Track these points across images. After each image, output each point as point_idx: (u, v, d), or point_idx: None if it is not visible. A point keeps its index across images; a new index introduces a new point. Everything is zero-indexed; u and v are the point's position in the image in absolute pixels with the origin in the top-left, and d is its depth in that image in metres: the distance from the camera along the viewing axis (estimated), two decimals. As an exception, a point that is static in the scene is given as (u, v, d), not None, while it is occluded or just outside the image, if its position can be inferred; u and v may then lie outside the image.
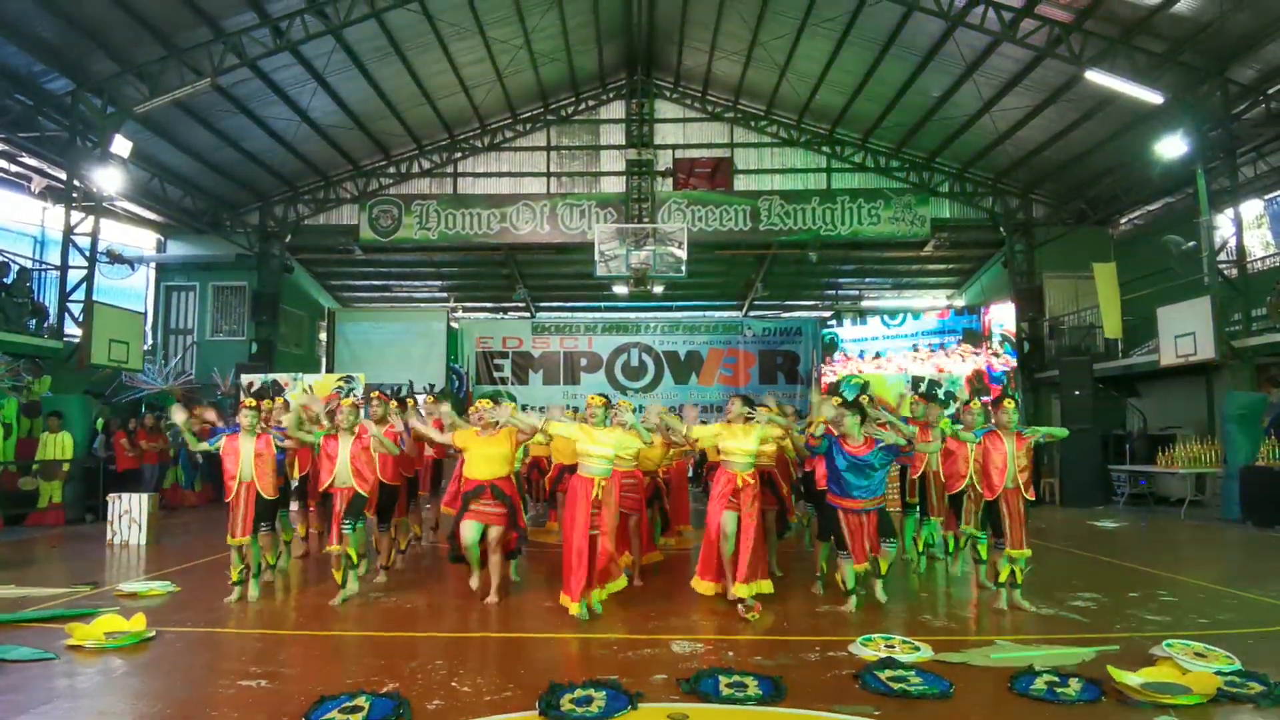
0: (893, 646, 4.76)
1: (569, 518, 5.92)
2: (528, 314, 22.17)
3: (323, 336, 20.57)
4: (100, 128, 12.43)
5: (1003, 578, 5.91)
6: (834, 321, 19.28)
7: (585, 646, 5.11)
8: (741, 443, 6.07)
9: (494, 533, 6.08)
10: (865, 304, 22.20)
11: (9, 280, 12.42)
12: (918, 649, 4.72)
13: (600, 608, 5.81)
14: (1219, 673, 4.14)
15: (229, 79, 13.03)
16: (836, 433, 5.83)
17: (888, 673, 4.25)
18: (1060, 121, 14.56)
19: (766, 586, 6.04)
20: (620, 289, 18.41)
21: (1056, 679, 4.12)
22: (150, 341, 17.28)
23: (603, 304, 21.73)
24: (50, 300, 13.16)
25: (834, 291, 22.12)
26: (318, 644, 5.26)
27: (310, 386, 7.76)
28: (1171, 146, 12.62)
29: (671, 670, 4.42)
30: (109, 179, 12.64)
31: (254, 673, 4.38)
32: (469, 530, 6.03)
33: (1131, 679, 4.00)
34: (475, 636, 5.39)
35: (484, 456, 6.11)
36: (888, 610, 5.89)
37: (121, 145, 12.55)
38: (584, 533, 5.69)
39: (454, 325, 20.85)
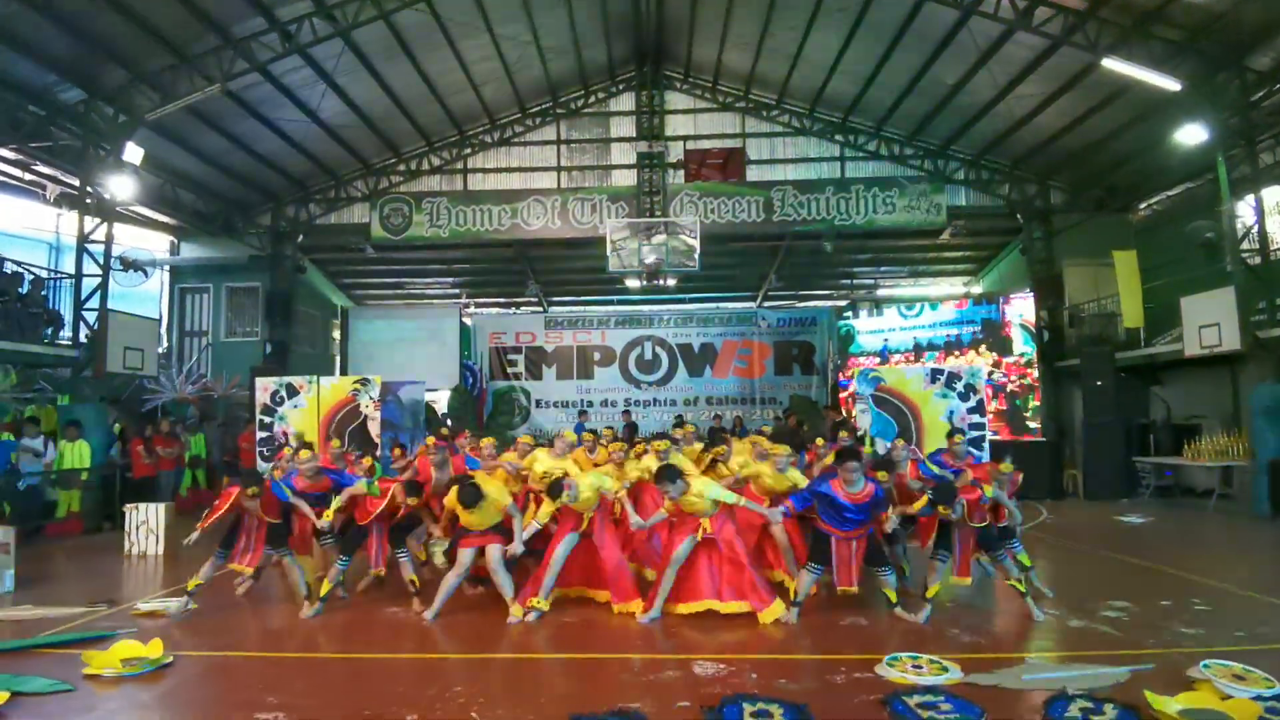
0: (920, 666, 4.66)
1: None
2: (540, 309, 22.06)
3: (336, 335, 20.58)
4: (113, 136, 12.42)
5: (930, 593, 5.95)
6: (850, 313, 19.03)
7: (607, 669, 5.03)
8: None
9: (494, 550, 6.12)
10: (881, 293, 21.94)
11: (23, 290, 12.45)
12: (946, 669, 4.61)
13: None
14: (1259, 698, 4.01)
15: (239, 83, 12.98)
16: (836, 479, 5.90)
17: (916, 699, 4.15)
18: (1077, 108, 14.25)
19: (744, 607, 5.92)
20: (633, 282, 18.28)
21: (1091, 705, 4.00)
22: (165, 345, 17.34)
23: (615, 297, 21.54)
24: (65, 308, 13.18)
25: (849, 281, 21.88)
26: (335, 669, 5.20)
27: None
28: (1190, 134, 12.39)
29: (694, 695, 4.34)
30: (122, 186, 12.64)
31: (271, 704, 4.30)
32: (466, 553, 6.21)
33: (1170, 706, 3.88)
34: (495, 658, 5.31)
35: (474, 521, 6.13)
36: (912, 625, 5.77)
37: (134, 152, 12.60)
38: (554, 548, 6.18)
39: (466, 321, 20.77)
